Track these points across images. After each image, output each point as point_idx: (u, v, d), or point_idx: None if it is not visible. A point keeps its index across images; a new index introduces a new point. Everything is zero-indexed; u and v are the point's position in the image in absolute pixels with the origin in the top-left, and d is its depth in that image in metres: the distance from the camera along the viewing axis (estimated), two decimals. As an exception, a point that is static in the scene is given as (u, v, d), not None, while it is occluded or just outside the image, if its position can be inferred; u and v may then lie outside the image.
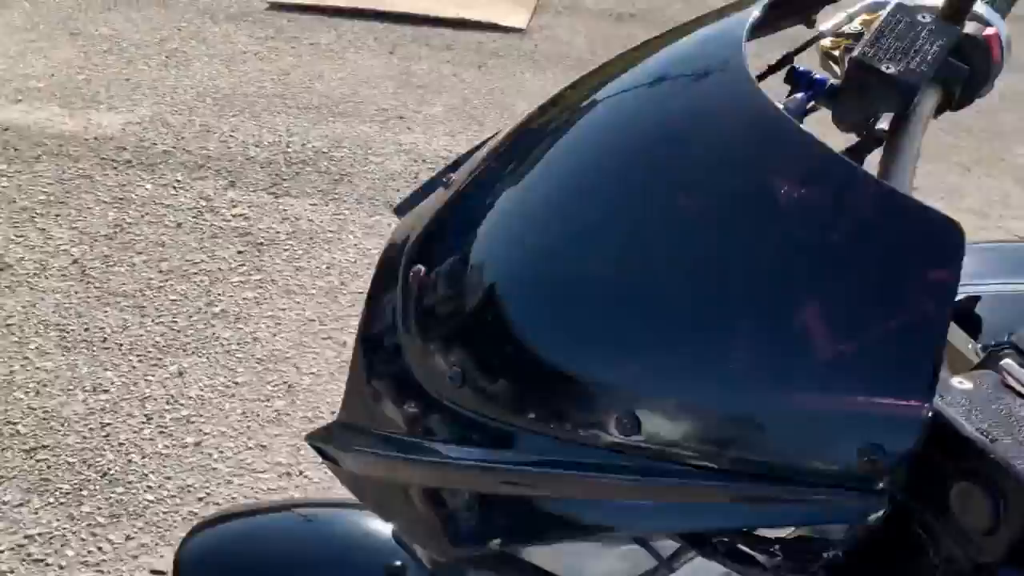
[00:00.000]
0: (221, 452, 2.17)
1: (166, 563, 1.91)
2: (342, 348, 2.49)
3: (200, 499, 2.06)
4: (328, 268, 2.80)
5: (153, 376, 2.35)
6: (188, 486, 2.08)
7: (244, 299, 2.64)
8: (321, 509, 1.11)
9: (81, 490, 2.04)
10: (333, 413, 2.26)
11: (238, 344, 2.48)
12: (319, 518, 1.10)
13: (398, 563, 1.05)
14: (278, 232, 2.94)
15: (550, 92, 0.74)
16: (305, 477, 2.12)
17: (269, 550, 1.07)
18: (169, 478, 2.09)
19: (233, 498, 2.06)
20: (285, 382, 2.38)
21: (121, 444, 2.17)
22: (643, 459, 0.51)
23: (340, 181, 3.24)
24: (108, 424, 2.21)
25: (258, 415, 2.28)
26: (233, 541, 1.09)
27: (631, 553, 0.68)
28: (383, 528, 1.08)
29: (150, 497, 2.05)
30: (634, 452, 0.51)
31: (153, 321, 2.53)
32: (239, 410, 2.28)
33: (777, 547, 0.54)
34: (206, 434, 2.21)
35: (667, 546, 0.67)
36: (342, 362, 2.44)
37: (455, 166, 0.79)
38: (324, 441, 0.75)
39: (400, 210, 0.81)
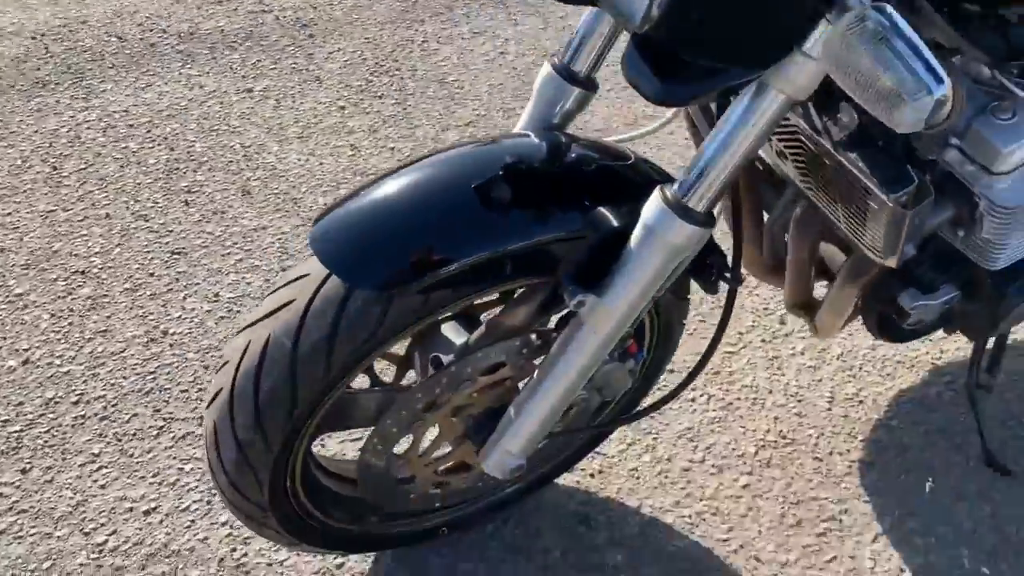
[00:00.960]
0: (60, 356, 1.87)
1: (88, 470, 1.67)
2: (107, 220, 2.21)
3: (75, 403, 1.78)
4: (18, 167, 2.39)
5: (-92, 330, 1.90)
6: (52, 399, 1.79)
7: (-49, 223, 2.19)
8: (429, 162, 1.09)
9: (-77, 461, 1.65)
10: (153, 274, 2.05)
11: (-16, 263, 2.08)
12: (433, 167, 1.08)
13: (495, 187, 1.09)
14: (-69, 151, 2.41)
15: None
16: (173, 335, 1.92)
17: (400, 207, 1.04)
18: (21, 403, 1.77)
19: (114, 384, 1.81)
20: (75, 271, 2.07)
21: (-71, 405, 1.77)
22: None
23: (-40, 82, 2.70)
24: None
25: (71, 310, 1.97)
26: (365, 212, 1.04)
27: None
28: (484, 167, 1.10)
29: (15, 428, 1.73)
30: None
31: None
32: (45, 315, 1.96)
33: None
34: (27, 350, 1.88)
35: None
36: (120, 230, 2.18)
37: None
38: None
39: None
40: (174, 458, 1.70)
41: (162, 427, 1.75)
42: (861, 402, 1.82)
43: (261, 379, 1.06)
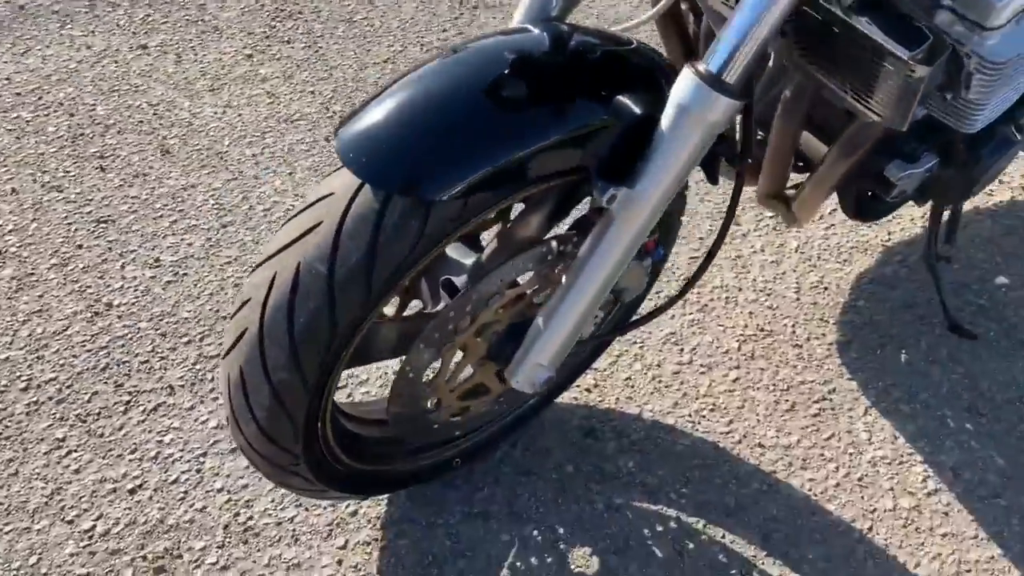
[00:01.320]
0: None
1: (56, 457, 1.53)
2: (15, 195, 2.02)
3: (24, 389, 1.64)
4: (-99, 144, 2.15)
5: None
6: (-4, 388, 1.63)
7: None
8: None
9: None
10: (81, 246, 1.89)
11: None
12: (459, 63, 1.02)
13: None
14: None
15: None
16: (119, 307, 1.78)
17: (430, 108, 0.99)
18: (-38, 397, 1.61)
19: (63, 364, 1.67)
20: (-9, 252, 1.89)
21: None
22: None
23: None
24: None
25: (-4, 293, 1.80)
26: (392, 120, 0.97)
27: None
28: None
29: (-39, 424, 1.57)
30: None
31: None
32: (-33, 302, 1.78)
33: None
34: (-45, 341, 1.71)
35: None
36: (33, 205, 2.00)
37: None
38: None
39: None
40: (149, 431, 1.58)
41: (129, 402, 1.63)
42: (826, 288, 1.87)
43: (295, 311, 0.99)
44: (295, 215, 1.02)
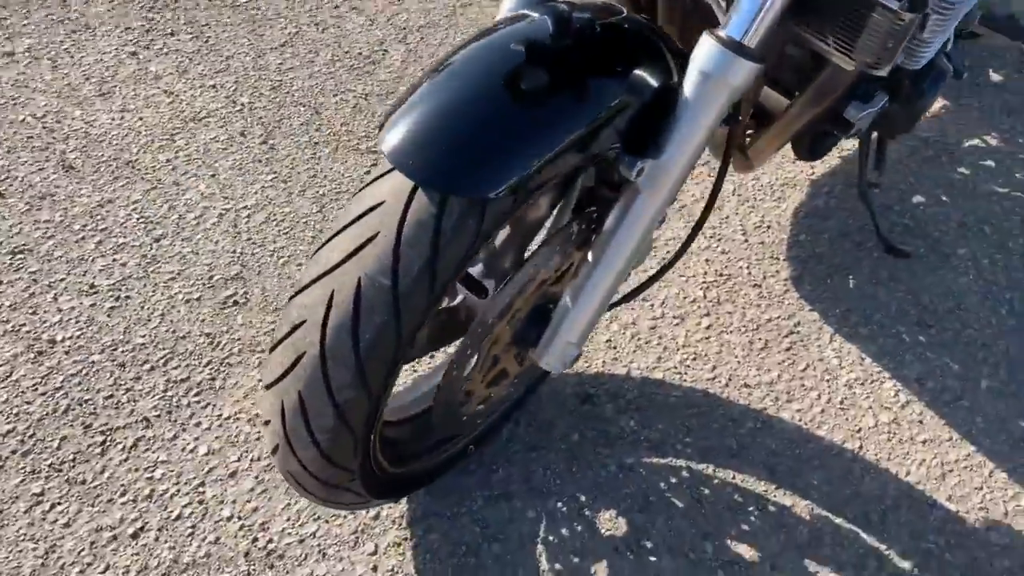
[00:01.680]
0: (-68, 402, 1.55)
1: (39, 514, 1.42)
2: (-93, 237, 1.81)
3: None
4: None
5: None
6: (-52, 450, 1.48)
7: None
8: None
9: None
10: (1, 282, 1.74)
11: None
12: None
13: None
14: None
15: None
16: (63, 342, 1.65)
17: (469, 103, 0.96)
18: (-90, 467, 1.45)
19: (18, 413, 1.53)
20: None
21: None
22: None
23: None
24: None
25: (-84, 347, 1.62)
26: (435, 121, 0.94)
27: None
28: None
29: (-83, 497, 1.42)
30: None
31: None
32: None
33: None
34: None
35: None
36: (-70, 245, 1.79)
37: None
38: None
39: None
40: (136, 470, 1.49)
41: (104, 442, 1.52)
42: (768, 227, 1.96)
43: (360, 327, 0.95)
44: (343, 228, 0.97)
